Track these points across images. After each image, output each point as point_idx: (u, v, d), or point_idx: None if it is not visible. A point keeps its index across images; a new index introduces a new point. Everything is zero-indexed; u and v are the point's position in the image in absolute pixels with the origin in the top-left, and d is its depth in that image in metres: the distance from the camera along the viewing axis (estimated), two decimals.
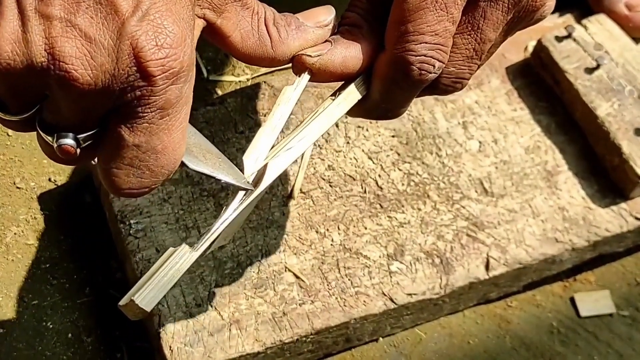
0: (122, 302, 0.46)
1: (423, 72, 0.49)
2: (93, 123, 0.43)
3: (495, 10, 0.49)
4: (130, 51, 0.40)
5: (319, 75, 0.51)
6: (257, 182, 0.50)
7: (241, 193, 0.49)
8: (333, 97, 0.52)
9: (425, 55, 0.48)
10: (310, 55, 0.50)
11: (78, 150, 0.43)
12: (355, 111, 0.53)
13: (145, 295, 0.45)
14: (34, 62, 0.39)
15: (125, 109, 0.42)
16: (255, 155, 0.50)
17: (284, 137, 0.52)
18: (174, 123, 0.43)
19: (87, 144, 0.44)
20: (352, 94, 0.52)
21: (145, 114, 0.42)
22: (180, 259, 0.47)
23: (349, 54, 0.50)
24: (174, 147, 0.44)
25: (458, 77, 0.52)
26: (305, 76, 0.50)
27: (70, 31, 0.39)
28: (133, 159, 0.43)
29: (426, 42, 0.48)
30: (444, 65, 0.50)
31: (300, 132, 0.51)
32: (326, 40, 0.51)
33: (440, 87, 0.52)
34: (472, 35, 0.50)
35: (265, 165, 0.50)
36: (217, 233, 0.48)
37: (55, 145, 0.43)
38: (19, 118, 0.42)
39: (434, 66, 0.49)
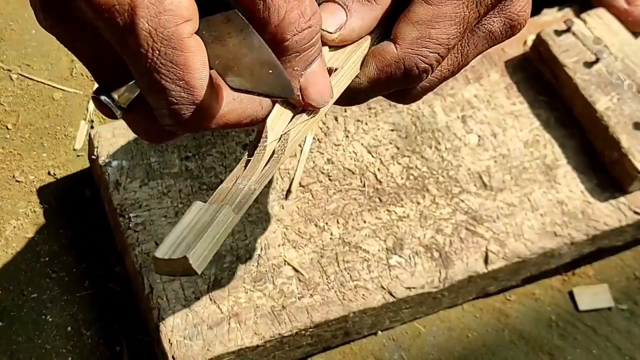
0: (164, 256, 0.41)
1: (421, 77, 0.48)
2: None
3: (485, 43, 0.50)
4: None
5: (335, 46, 0.49)
6: (282, 148, 0.47)
7: (261, 157, 0.46)
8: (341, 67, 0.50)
9: (431, 65, 0.48)
10: (330, 32, 0.48)
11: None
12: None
13: (200, 255, 0.41)
14: None
15: None
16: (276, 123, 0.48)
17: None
18: None
19: None
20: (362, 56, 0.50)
21: None
22: (227, 221, 0.43)
23: (366, 24, 0.49)
24: None
25: (428, 90, 0.52)
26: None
27: None
28: None
29: (438, 54, 0.47)
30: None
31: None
32: (336, 2, 0.48)
33: (413, 93, 0.52)
34: (457, 58, 0.50)
35: (288, 132, 0.47)
36: (256, 193, 0.46)
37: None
38: None
39: (428, 74, 0.49)
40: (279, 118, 0.47)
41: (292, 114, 0.47)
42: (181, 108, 0.41)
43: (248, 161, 0.46)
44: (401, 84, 0.49)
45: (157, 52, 0.39)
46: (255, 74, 0.43)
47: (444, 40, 0.47)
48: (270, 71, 0.43)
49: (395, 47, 0.48)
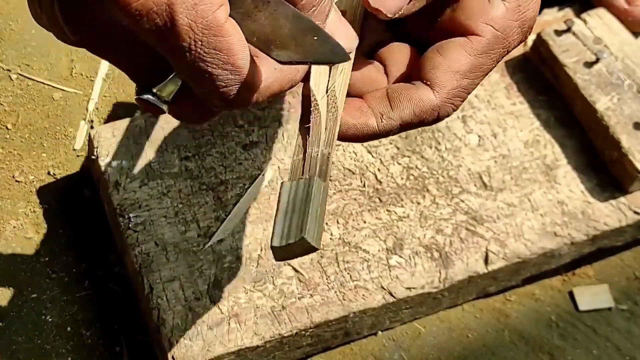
0: (281, 243, 0.42)
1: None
2: None
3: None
4: None
5: None
6: (334, 103, 0.48)
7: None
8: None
9: (456, 109, 0.49)
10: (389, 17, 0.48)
11: None
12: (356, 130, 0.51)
13: (314, 231, 0.43)
14: None
15: None
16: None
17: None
18: None
19: None
20: None
21: None
22: (321, 191, 0.44)
23: None
24: None
25: None
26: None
27: None
28: None
29: (462, 100, 0.48)
30: None
31: None
32: None
33: None
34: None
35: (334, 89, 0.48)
36: (332, 156, 0.46)
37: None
38: None
39: None
40: (319, 76, 0.47)
41: (328, 68, 0.48)
42: (231, 89, 0.42)
43: (306, 129, 0.47)
44: (426, 125, 0.50)
45: (200, 42, 0.40)
46: (300, 44, 0.43)
47: (472, 89, 0.48)
48: (315, 37, 0.43)
49: (434, 95, 0.48)
